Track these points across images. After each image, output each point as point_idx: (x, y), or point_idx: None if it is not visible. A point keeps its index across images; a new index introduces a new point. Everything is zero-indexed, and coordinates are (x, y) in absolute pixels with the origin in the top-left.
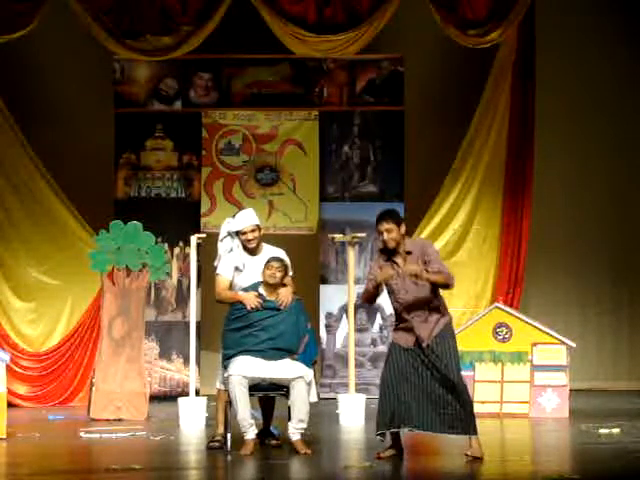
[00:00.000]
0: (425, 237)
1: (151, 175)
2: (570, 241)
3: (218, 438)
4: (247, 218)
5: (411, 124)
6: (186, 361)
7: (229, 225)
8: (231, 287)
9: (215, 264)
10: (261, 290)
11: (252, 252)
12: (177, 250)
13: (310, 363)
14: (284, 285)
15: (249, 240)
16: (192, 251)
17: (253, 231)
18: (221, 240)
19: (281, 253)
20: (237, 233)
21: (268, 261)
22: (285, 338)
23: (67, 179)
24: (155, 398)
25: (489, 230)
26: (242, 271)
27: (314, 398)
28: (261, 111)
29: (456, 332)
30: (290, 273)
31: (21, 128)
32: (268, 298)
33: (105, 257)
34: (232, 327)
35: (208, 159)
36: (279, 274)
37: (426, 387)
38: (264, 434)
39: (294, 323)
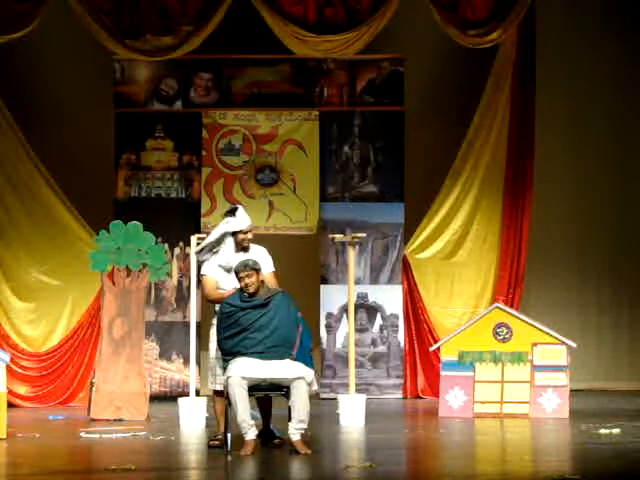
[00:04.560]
0: (425, 237)
1: (151, 175)
2: (570, 241)
3: (219, 437)
4: (246, 218)
5: (411, 124)
6: (186, 361)
7: (230, 224)
8: (217, 286)
9: (200, 257)
10: (244, 292)
11: (244, 250)
12: (177, 250)
13: (308, 356)
14: (262, 282)
15: (249, 239)
16: (192, 251)
17: (251, 231)
18: (222, 237)
19: (263, 252)
20: (234, 232)
21: (237, 272)
22: (281, 332)
23: (67, 179)
24: (155, 398)
25: (489, 230)
26: (230, 272)
27: (315, 386)
28: (261, 111)
29: (456, 332)
30: (271, 268)
31: (21, 128)
32: (250, 297)
33: (105, 257)
34: (226, 334)
35: (208, 159)
36: (253, 279)
37: None
38: (265, 434)
39: (286, 315)
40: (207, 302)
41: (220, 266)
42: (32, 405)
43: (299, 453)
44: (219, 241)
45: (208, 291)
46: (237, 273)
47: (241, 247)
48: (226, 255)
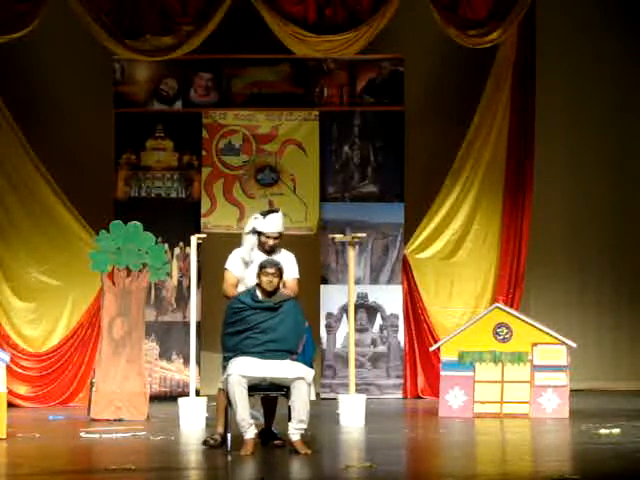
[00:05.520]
0: (425, 237)
1: (151, 175)
2: (570, 241)
3: (215, 436)
4: (275, 224)
5: (411, 124)
6: (186, 361)
7: (256, 222)
8: (238, 282)
9: (235, 254)
10: (258, 292)
11: (268, 253)
12: (177, 250)
13: (310, 363)
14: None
15: (269, 245)
16: (192, 251)
17: (276, 238)
18: (247, 233)
19: (290, 257)
20: (259, 232)
21: (263, 266)
22: (285, 339)
23: (67, 179)
24: (155, 398)
25: (489, 230)
26: (249, 266)
27: (312, 396)
28: (261, 111)
29: (456, 332)
30: (296, 275)
31: (21, 128)
32: (262, 299)
33: (105, 257)
34: (231, 331)
35: (208, 159)
36: (276, 280)
37: None
38: (266, 434)
39: (293, 323)
40: (224, 297)
41: (242, 258)
42: (32, 405)
43: (299, 453)
44: (251, 237)
45: (226, 286)
46: (263, 267)
47: (263, 249)
48: (248, 249)
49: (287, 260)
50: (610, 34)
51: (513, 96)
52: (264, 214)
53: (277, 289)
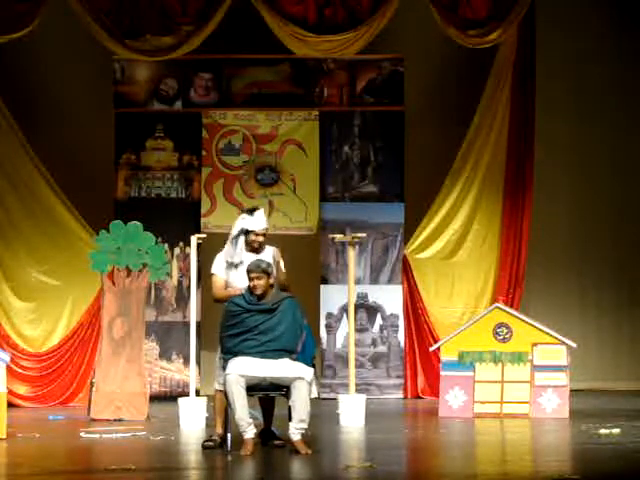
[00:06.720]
0: (425, 237)
1: (151, 175)
2: (570, 241)
3: (214, 438)
4: (263, 220)
5: (411, 124)
6: (186, 361)
7: (244, 221)
8: (226, 285)
9: (219, 258)
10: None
11: (255, 251)
12: (177, 250)
13: (310, 361)
14: (272, 286)
15: (259, 242)
16: (192, 251)
17: (264, 235)
18: (236, 236)
19: (274, 251)
20: (247, 231)
21: (249, 271)
22: (285, 338)
23: (67, 179)
24: (155, 398)
25: (489, 230)
26: (238, 268)
27: (314, 394)
28: (261, 111)
29: (456, 332)
30: (281, 267)
31: (21, 128)
32: (258, 302)
33: (105, 257)
34: (230, 333)
35: (208, 159)
36: (262, 282)
37: None
38: (266, 434)
39: (291, 321)
40: (214, 302)
41: (232, 264)
42: (32, 405)
43: (299, 453)
44: (237, 236)
45: (215, 290)
46: (249, 272)
47: (251, 247)
48: (233, 251)
49: (272, 256)
50: (611, 34)
51: (513, 96)
52: (250, 212)
53: (268, 290)
